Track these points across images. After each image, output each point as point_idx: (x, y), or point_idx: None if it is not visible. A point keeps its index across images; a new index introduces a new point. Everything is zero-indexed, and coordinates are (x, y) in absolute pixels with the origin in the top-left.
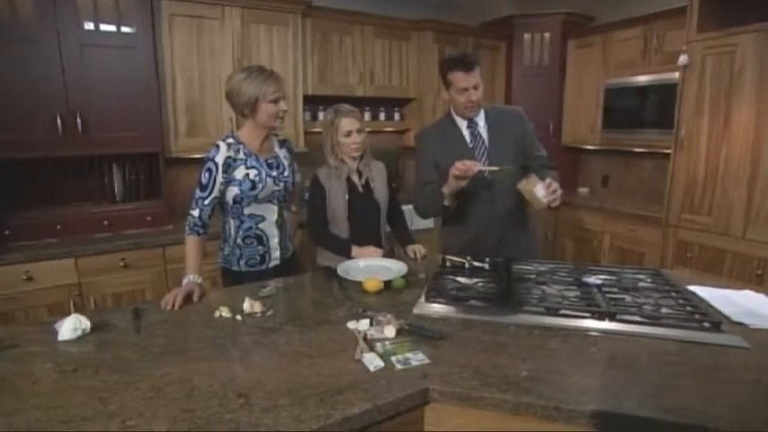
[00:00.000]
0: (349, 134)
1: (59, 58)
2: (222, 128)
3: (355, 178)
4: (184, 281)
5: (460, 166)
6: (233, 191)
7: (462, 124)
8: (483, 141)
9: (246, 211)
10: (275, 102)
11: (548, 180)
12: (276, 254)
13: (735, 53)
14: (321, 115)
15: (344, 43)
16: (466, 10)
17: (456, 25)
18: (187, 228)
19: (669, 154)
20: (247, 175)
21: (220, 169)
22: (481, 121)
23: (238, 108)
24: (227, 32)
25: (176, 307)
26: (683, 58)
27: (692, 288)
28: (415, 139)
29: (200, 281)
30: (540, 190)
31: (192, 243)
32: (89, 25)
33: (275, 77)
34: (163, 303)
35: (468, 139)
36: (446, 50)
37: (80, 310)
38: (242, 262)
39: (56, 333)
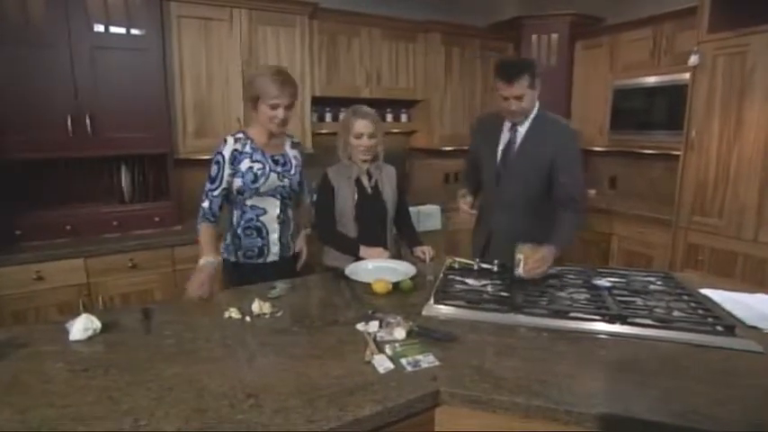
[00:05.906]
0: (360, 136)
1: (70, 60)
2: (230, 129)
3: (365, 180)
4: (201, 261)
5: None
6: (237, 182)
7: (507, 124)
8: (514, 147)
9: (249, 202)
10: (273, 107)
11: (539, 255)
12: (275, 249)
13: (746, 53)
14: (328, 116)
15: (352, 45)
16: (473, 11)
17: (463, 26)
18: (199, 218)
19: (679, 155)
20: (251, 168)
21: (227, 162)
22: (524, 128)
23: (246, 98)
24: (235, 34)
25: (208, 295)
26: (693, 59)
27: (704, 291)
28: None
29: (216, 261)
30: (521, 265)
31: (205, 229)
32: (99, 27)
33: (283, 85)
34: (191, 292)
35: (503, 139)
36: (492, 54)
37: (89, 309)
38: (240, 253)
39: (66, 332)
